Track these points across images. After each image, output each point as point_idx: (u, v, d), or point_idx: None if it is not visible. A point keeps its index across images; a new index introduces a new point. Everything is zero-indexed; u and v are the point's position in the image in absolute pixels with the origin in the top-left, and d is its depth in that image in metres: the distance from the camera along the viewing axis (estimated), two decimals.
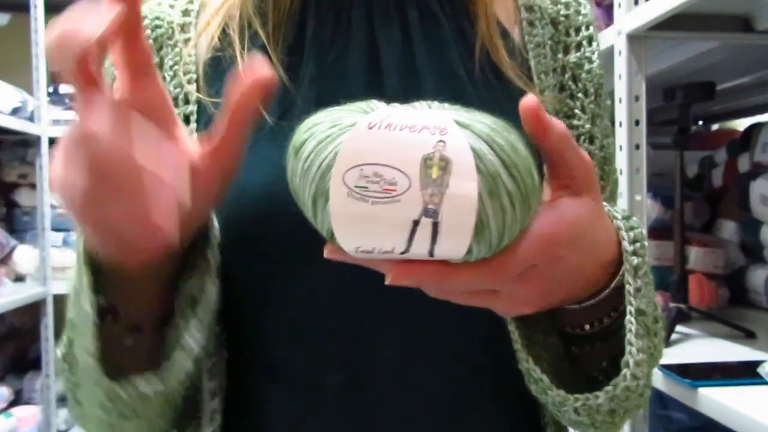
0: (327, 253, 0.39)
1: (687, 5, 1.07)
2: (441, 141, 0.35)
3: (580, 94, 0.63)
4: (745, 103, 2.02)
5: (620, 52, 1.29)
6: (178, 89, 0.58)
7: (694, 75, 1.59)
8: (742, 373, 1.00)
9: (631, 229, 0.48)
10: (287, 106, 0.55)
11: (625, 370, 0.48)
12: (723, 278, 1.54)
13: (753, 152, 1.55)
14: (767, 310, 1.49)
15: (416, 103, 0.40)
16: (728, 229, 1.63)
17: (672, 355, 1.14)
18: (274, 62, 0.56)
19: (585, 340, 0.51)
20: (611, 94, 1.30)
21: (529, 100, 0.39)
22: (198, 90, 0.58)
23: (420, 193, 0.35)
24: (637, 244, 0.48)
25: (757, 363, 1.01)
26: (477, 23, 0.60)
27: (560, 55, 0.63)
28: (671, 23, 1.19)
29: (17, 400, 2.62)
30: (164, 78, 0.59)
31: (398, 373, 0.54)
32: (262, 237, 0.53)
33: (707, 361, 1.09)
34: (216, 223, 0.50)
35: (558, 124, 0.41)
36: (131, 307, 0.48)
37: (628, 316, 0.48)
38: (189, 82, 0.58)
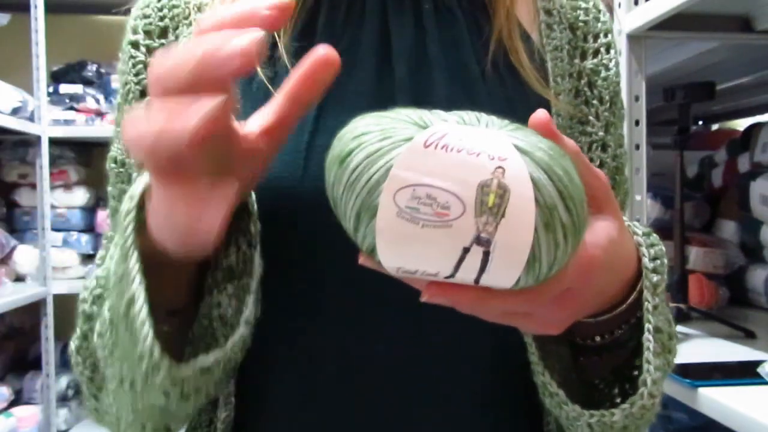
0: (361, 261, 0.38)
1: (687, 5, 1.07)
2: (500, 168, 0.33)
3: (595, 101, 0.62)
4: (745, 103, 2.02)
5: (620, 52, 1.29)
6: None
7: (694, 75, 1.59)
8: (742, 373, 1.00)
9: (652, 246, 0.48)
10: None
11: (642, 389, 0.48)
12: (723, 278, 1.54)
13: (753, 152, 1.55)
14: (767, 310, 1.49)
15: (465, 115, 0.38)
16: (728, 229, 1.63)
17: None
18: (281, 48, 0.56)
19: (594, 350, 0.51)
20: None
21: (540, 115, 0.38)
22: None
23: (474, 220, 0.33)
24: (657, 261, 0.48)
25: (757, 363, 1.00)
26: (494, 19, 0.59)
27: (577, 61, 0.62)
28: (671, 23, 1.19)
29: (17, 400, 2.62)
30: None
31: (394, 368, 0.54)
32: (266, 227, 0.53)
33: (707, 361, 1.09)
34: (253, 195, 0.49)
35: (570, 141, 0.40)
36: (166, 293, 0.46)
37: (646, 334, 0.47)
38: None
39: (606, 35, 0.64)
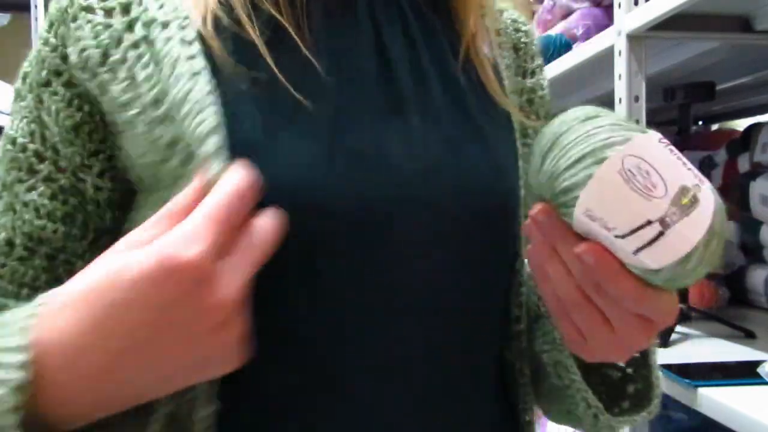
0: (537, 211, 0.45)
1: (687, 5, 1.07)
2: (698, 185, 0.43)
3: (533, 116, 0.67)
4: (745, 103, 2.02)
5: (620, 52, 1.28)
6: (184, 47, 0.52)
7: (694, 75, 1.59)
8: (742, 373, 1.00)
9: None
10: (310, 88, 0.53)
11: (654, 400, 0.58)
12: (723, 278, 1.54)
13: (753, 152, 1.55)
14: (767, 310, 1.49)
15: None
16: (728, 229, 1.63)
17: (672, 355, 1.14)
18: (294, 35, 0.54)
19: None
20: (611, 95, 1.30)
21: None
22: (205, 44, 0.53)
23: (668, 205, 0.42)
24: None
25: (757, 363, 1.01)
26: (463, 36, 0.61)
27: (520, 78, 0.67)
28: (671, 23, 1.19)
29: None
30: (161, 6, 0.54)
31: (376, 377, 0.54)
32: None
33: (707, 361, 1.09)
34: None
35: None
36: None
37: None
38: (189, 42, 0.52)
39: (538, 57, 0.70)
